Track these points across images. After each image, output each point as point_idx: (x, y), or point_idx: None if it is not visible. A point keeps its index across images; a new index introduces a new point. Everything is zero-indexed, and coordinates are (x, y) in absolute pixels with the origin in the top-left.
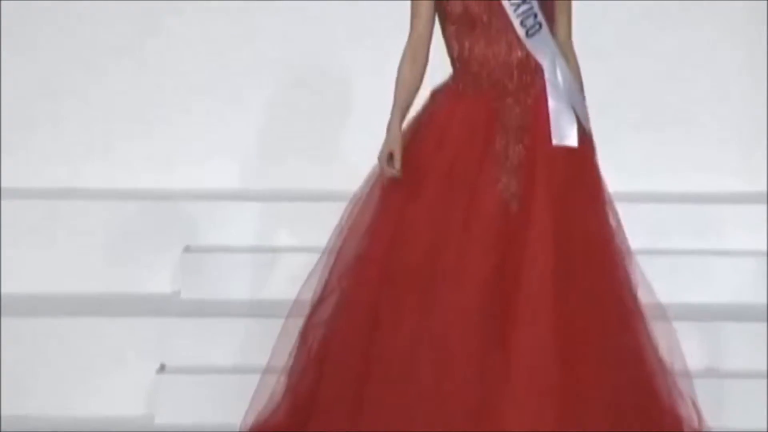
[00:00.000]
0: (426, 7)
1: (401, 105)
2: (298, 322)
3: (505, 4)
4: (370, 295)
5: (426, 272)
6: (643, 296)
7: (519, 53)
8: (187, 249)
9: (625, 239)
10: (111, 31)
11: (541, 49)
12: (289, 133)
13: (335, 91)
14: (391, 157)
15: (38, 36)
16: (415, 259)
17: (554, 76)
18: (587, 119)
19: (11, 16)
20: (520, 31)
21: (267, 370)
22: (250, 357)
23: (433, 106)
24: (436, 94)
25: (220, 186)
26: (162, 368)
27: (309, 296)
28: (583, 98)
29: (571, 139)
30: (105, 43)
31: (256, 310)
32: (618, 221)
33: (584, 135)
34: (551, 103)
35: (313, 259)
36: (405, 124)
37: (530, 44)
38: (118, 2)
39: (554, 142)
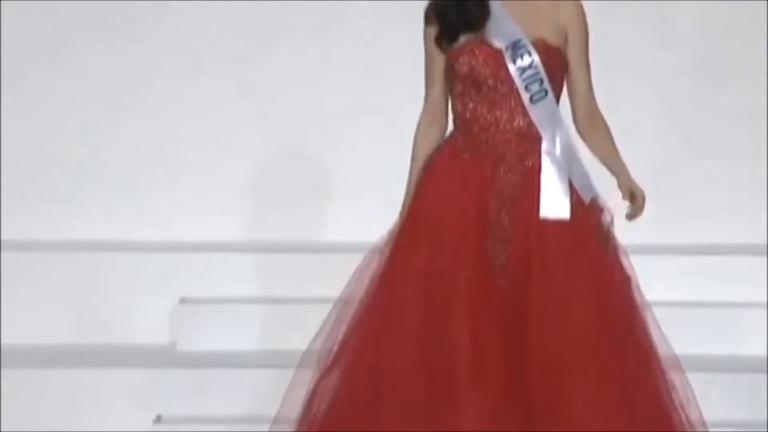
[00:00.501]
0: (439, 68)
1: (413, 181)
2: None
3: (511, 67)
4: (367, 379)
5: (418, 365)
6: (660, 347)
7: (521, 121)
8: (183, 300)
9: (639, 291)
10: (107, 85)
11: (544, 118)
12: (284, 185)
13: (330, 142)
14: None
15: (37, 90)
16: (405, 358)
17: (553, 146)
18: (589, 188)
19: (11, 77)
20: (525, 97)
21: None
22: (246, 408)
23: (430, 170)
24: (433, 155)
25: (215, 238)
26: (158, 419)
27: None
28: (618, 152)
29: (563, 212)
30: (100, 97)
31: (252, 361)
32: (630, 274)
33: (581, 205)
34: (544, 175)
35: (308, 309)
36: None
37: (533, 111)
38: (115, 56)
39: (542, 213)
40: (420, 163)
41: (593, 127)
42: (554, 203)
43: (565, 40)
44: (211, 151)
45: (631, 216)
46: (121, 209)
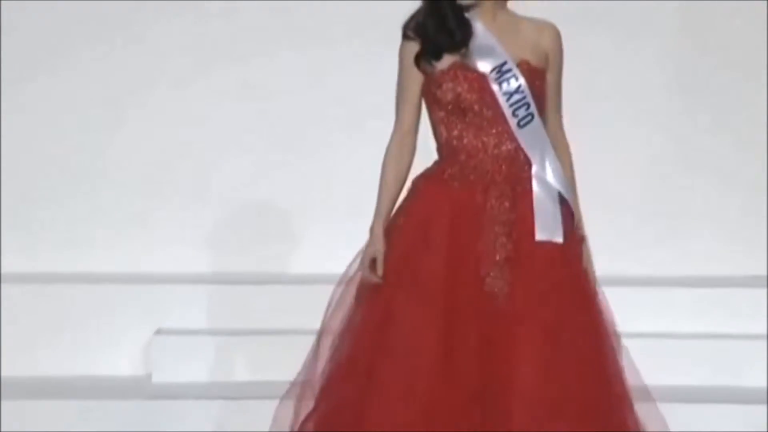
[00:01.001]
0: (415, 90)
1: (384, 207)
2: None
3: (497, 92)
4: (352, 417)
5: (410, 378)
6: (630, 379)
7: (509, 145)
8: (159, 332)
9: (612, 324)
10: (80, 128)
11: (532, 142)
12: (258, 219)
13: (301, 176)
14: (373, 263)
15: (36, 133)
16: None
17: (543, 170)
18: (577, 212)
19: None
20: (512, 122)
21: None
22: None
23: (416, 197)
24: (419, 183)
25: (191, 269)
26: None
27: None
28: (574, 188)
29: (557, 235)
30: (76, 137)
31: (228, 392)
32: (604, 308)
33: (572, 229)
34: (537, 199)
35: (281, 340)
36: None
37: (521, 136)
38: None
39: (538, 237)
40: (392, 188)
41: (556, 149)
42: (549, 227)
43: (546, 64)
44: (187, 185)
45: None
46: (96, 241)
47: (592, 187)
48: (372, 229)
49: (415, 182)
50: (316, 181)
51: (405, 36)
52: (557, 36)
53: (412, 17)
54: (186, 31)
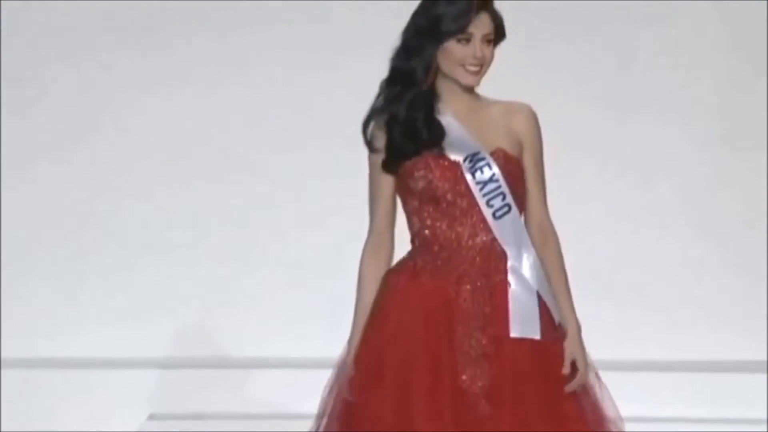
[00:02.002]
0: (386, 193)
1: (362, 308)
2: None
3: (471, 181)
4: None
5: None
6: None
7: (484, 237)
8: (152, 417)
9: (612, 408)
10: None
11: (509, 234)
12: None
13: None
14: (352, 382)
15: (38, 221)
16: None
17: (519, 263)
18: (566, 302)
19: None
20: (487, 213)
21: None
22: None
23: (387, 294)
24: (390, 275)
25: (186, 354)
26: None
27: None
28: (566, 280)
29: (533, 331)
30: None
31: None
32: (599, 395)
33: (552, 325)
34: (512, 294)
35: (281, 425)
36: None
37: (497, 227)
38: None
39: (512, 334)
40: (368, 289)
41: (544, 244)
42: (525, 323)
43: (521, 150)
44: (182, 266)
45: (570, 387)
46: (86, 325)
47: (589, 272)
48: (350, 342)
49: (386, 277)
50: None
51: (370, 145)
52: (531, 117)
53: (372, 112)
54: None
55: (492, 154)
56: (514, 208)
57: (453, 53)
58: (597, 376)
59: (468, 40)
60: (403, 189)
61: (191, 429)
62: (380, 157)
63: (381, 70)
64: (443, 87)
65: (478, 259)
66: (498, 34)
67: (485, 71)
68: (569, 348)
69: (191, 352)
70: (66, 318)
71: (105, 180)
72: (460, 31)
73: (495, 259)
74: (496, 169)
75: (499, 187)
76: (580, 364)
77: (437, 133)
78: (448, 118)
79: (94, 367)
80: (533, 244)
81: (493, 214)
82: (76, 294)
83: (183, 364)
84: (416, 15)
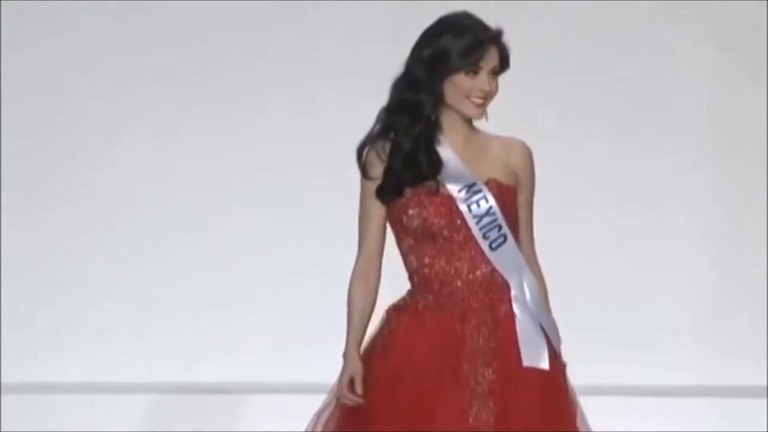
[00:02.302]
0: (377, 222)
1: (356, 331)
2: None
3: (467, 214)
4: None
5: None
6: None
7: (484, 269)
8: None
9: None
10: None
11: (507, 264)
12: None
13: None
14: (351, 383)
15: (38, 241)
16: None
17: (521, 292)
18: (557, 337)
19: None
20: (484, 245)
21: None
22: None
23: (390, 329)
24: (392, 314)
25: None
26: None
27: None
28: (549, 312)
29: (543, 361)
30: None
31: None
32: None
33: (554, 355)
34: (519, 324)
35: None
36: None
37: (495, 258)
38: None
39: (525, 364)
40: (361, 311)
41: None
42: (534, 353)
43: (516, 182)
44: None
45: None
46: (83, 349)
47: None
48: (345, 353)
49: (388, 314)
50: None
51: (365, 171)
52: (527, 154)
53: (369, 139)
54: None
55: (486, 183)
56: (510, 237)
57: (461, 86)
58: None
59: (476, 73)
60: (396, 226)
61: None
62: (374, 184)
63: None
64: (445, 118)
65: (480, 292)
66: (503, 65)
67: (489, 103)
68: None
69: (188, 377)
70: (63, 342)
71: (103, 208)
72: (471, 65)
73: (497, 290)
74: (492, 202)
75: (496, 219)
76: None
77: (435, 165)
78: (447, 151)
79: (90, 392)
80: None
81: (490, 246)
82: (74, 319)
83: (179, 390)
84: (421, 47)
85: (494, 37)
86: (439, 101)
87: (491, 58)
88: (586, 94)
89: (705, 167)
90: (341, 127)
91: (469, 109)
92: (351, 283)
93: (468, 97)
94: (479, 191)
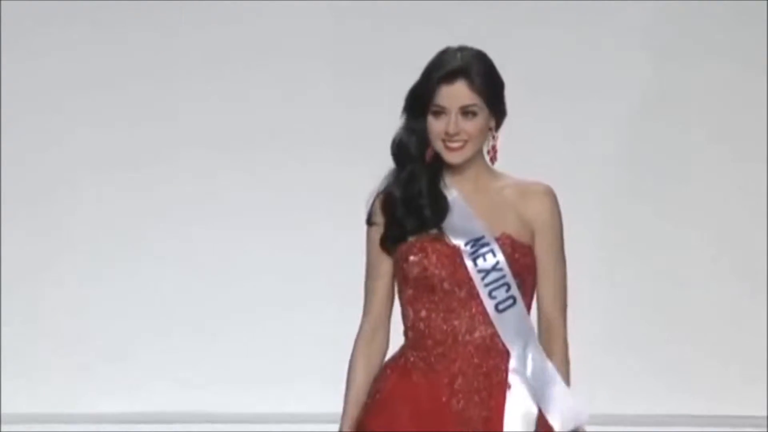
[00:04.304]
0: (385, 273)
1: (353, 408)
2: None
3: (471, 269)
4: None
5: None
6: None
7: (484, 331)
8: None
9: None
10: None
11: (513, 330)
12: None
13: None
14: None
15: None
16: None
17: (522, 365)
18: (573, 419)
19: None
20: (489, 305)
21: None
22: None
23: (378, 389)
24: (386, 369)
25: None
26: None
27: None
28: (565, 387)
29: None
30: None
31: None
32: None
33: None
34: (510, 399)
35: None
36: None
37: (499, 322)
38: None
39: None
40: (359, 389)
41: (549, 341)
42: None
43: (533, 236)
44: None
45: None
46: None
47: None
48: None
49: (384, 369)
50: None
51: (370, 218)
52: (547, 198)
53: (378, 193)
54: None
55: (497, 239)
56: (520, 301)
57: (431, 128)
58: None
59: (442, 113)
60: (399, 276)
61: None
62: (378, 232)
63: None
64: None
65: (475, 357)
66: (491, 103)
67: (473, 147)
68: None
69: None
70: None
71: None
72: (426, 105)
73: (495, 356)
74: (501, 257)
75: (504, 276)
76: None
77: (441, 208)
78: (453, 194)
79: (89, 423)
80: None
81: (496, 307)
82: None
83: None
84: None
85: (449, 74)
86: (426, 142)
87: (456, 96)
88: None
89: None
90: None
91: (444, 154)
92: (354, 351)
93: (441, 140)
94: (486, 244)
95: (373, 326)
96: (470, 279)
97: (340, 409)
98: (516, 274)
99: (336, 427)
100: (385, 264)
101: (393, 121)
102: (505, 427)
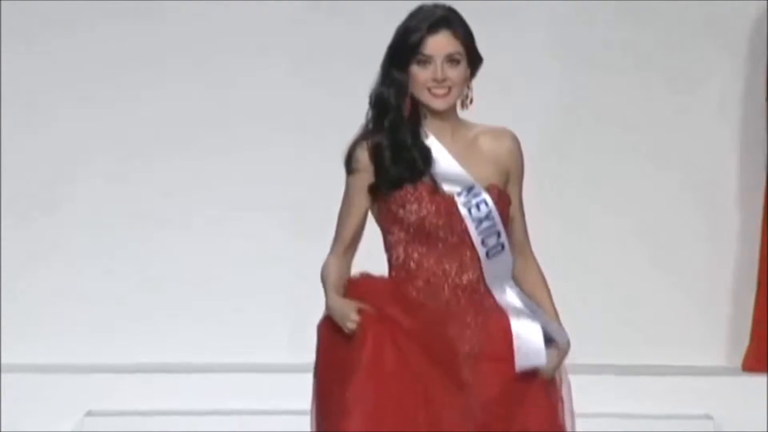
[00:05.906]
0: (361, 210)
1: (333, 284)
2: None
3: (467, 218)
4: None
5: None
6: None
7: (470, 275)
8: (89, 413)
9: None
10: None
11: (496, 273)
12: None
13: None
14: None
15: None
16: None
17: (504, 298)
18: (559, 332)
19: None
20: (481, 251)
21: None
22: None
23: (364, 284)
24: (362, 278)
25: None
26: None
27: None
28: (551, 298)
29: (539, 359)
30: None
31: None
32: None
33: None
34: (514, 325)
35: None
36: None
37: (488, 266)
38: None
39: (518, 368)
40: (332, 282)
41: (526, 269)
42: (529, 352)
43: (507, 181)
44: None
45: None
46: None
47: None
48: (329, 302)
49: (358, 277)
50: None
51: (353, 166)
52: (517, 147)
53: (356, 142)
54: None
55: (486, 189)
56: (507, 247)
57: (416, 77)
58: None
59: (427, 62)
60: (388, 218)
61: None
62: (363, 179)
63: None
64: (423, 112)
65: (462, 298)
66: (470, 52)
67: (457, 93)
68: (555, 360)
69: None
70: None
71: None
72: (413, 53)
73: (479, 297)
74: (492, 206)
75: (495, 225)
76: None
77: (427, 156)
78: (435, 143)
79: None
80: (514, 268)
81: (487, 253)
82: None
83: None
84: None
85: (434, 24)
86: (404, 93)
87: (442, 44)
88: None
89: None
90: None
91: (429, 101)
92: (326, 260)
93: (427, 88)
94: (479, 194)
95: (344, 246)
96: (463, 227)
97: None
98: (502, 220)
99: None
100: (363, 205)
101: None
102: (516, 348)
